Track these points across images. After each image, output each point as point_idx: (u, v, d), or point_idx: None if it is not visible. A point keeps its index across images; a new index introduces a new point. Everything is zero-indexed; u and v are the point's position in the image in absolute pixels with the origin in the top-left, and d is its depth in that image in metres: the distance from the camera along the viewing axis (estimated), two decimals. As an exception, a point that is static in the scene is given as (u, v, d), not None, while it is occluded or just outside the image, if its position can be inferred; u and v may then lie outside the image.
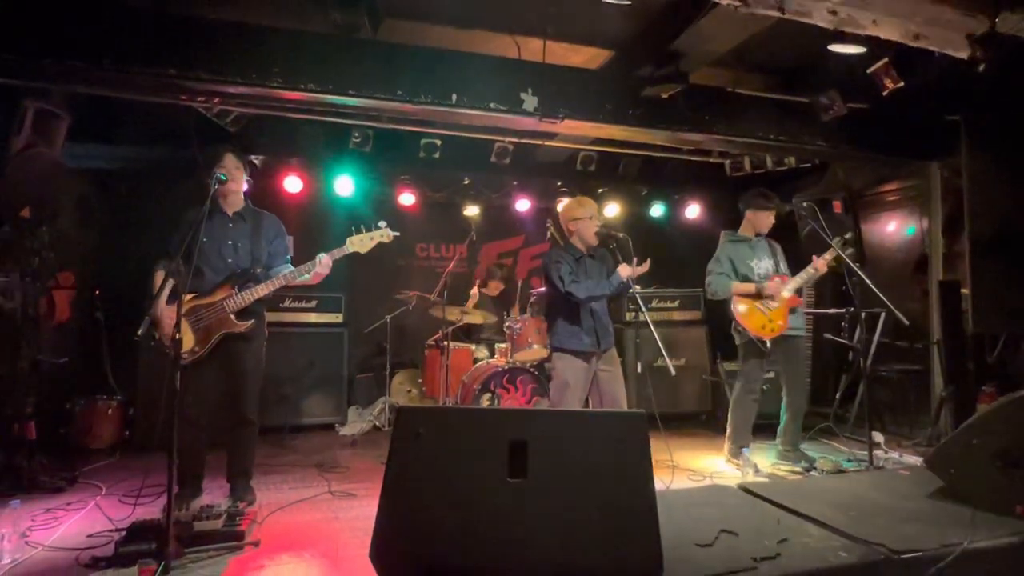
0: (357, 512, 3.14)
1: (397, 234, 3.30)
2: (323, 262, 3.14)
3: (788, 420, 4.00)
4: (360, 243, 3.20)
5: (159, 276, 3.00)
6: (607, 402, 3.47)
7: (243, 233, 3.24)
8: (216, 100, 3.83)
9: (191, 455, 3.14)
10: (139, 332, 2.46)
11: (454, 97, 3.62)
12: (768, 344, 3.87)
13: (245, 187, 3.31)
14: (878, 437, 4.16)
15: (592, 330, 3.46)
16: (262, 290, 3.12)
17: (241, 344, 3.16)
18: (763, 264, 4.02)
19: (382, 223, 3.25)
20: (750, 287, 3.92)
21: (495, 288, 5.77)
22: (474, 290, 5.58)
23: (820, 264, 3.86)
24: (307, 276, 3.16)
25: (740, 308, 3.91)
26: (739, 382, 4.01)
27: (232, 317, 3.09)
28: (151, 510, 3.00)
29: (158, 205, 4.83)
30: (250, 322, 3.14)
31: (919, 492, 2.59)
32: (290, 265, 3.28)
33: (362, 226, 3.22)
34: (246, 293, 3.11)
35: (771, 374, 4.25)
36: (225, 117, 4.14)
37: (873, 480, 2.99)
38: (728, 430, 4.00)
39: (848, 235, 4.03)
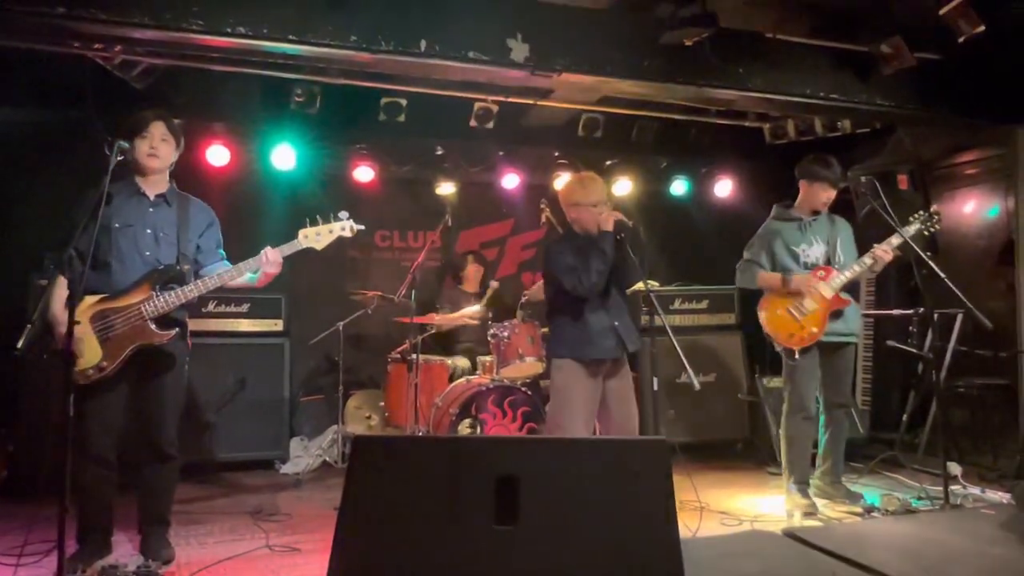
0: (302, 571, 3.13)
1: (362, 227, 3.31)
2: (269, 258, 3.11)
3: (827, 444, 4.04)
4: (316, 238, 3.21)
5: (58, 275, 2.95)
6: (614, 426, 3.49)
7: (166, 220, 3.20)
8: (117, 48, 3.79)
9: (96, 501, 3.09)
10: (19, 344, 2.43)
11: (423, 44, 3.60)
12: (797, 356, 3.87)
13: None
14: (955, 469, 4.20)
15: (611, 330, 3.46)
16: (190, 292, 3.08)
17: (161, 360, 3.13)
18: (814, 251, 3.99)
19: (343, 213, 3.26)
20: (775, 279, 3.91)
21: (472, 279, 5.75)
22: (494, 282, 5.52)
23: (882, 254, 3.84)
24: (252, 277, 3.14)
25: (763, 309, 3.95)
26: (786, 401, 4.03)
27: (151, 325, 3.03)
28: (37, 574, 2.94)
29: (43, 181, 4.77)
30: (173, 331, 3.09)
31: (1007, 536, 2.62)
32: (227, 262, 3.26)
33: (318, 217, 3.22)
34: (169, 295, 3.05)
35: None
36: (130, 70, 4.10)
37: (950, 522, 3.04)
38: (783, 463, 4.03)
39: (935, 215, 3.92)
